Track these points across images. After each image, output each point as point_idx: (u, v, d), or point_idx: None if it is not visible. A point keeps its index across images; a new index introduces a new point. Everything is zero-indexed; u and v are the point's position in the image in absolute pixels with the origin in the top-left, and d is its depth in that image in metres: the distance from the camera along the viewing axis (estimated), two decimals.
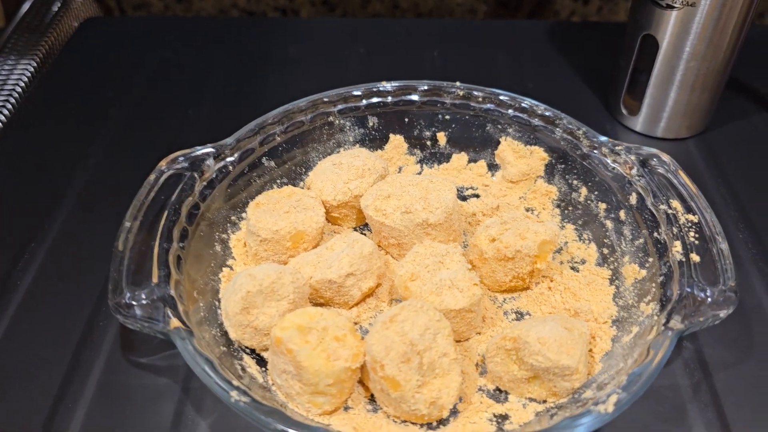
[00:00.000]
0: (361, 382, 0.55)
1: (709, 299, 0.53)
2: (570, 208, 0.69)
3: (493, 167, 0.73)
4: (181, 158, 0.64)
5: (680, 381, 0.58)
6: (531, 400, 0.54)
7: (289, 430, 0.45)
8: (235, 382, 0.47)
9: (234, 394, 0.47)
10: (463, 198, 0.71)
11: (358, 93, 0.72)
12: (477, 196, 0.71)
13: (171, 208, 0.59)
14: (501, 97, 0.71)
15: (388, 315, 0.52)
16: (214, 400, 0.56)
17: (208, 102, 0.89)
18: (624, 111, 0.83)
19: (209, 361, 0.49)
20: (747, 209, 0.73)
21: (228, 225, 0.65)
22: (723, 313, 0.52)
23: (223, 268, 0.62)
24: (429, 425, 0.52)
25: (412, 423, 0.52)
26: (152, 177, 0.62)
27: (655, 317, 0.53)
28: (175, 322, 0.51)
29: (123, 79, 0.93)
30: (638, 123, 0.82)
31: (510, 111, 0.70)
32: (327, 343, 0.51)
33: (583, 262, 0.65)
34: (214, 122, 0.85)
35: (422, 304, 0.53)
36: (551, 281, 0.62)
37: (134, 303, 0.53)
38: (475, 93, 0.71)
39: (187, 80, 0.93)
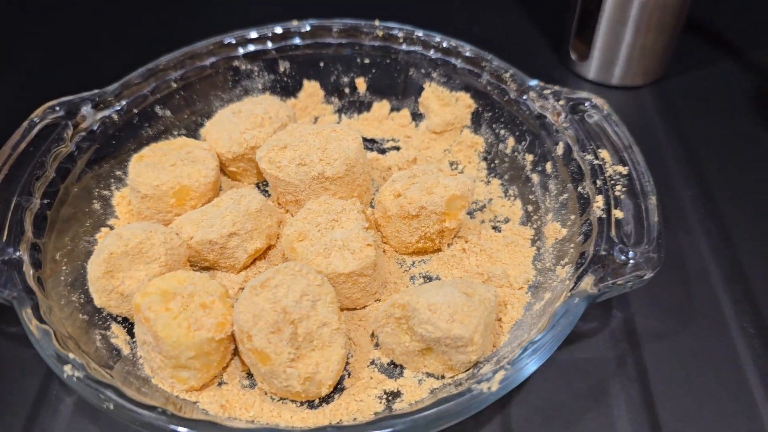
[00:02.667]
0: (239, 355, 0.49)
1: (631, 261, 0.46)
2: (496, 161, 0.62)
3: (417, 117, 0.66)
4: (58, 107, 0.57)
5: (604, 353, 0.52)
6: (428, 375, 0.48)
7: (129, 406, 0.39)
8: (72, 356, 0.41)
9: (67, 369, 0.41)
10: (383, 151, 0.64)
11: (267, 33, 0.65)
12: (398, 148, 0.64)
13: (36, 161, 0.53)
14: (422, 37, 0.63)
15: (260, 280, 0.46)
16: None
17: (95, 45, 0.82)
18: (573, 56, 0.75)
19: (46, 332, 0.43)
20: (699, 166, 0.66)
21: (112, 181, 0.59)
22: (645, 276, 0.45)
23: (102, 229, 0.56)
24: (310, 403, 0.46)
25: (291, 401, 0.46)
26: (23, 127, 0.56)
27: (567, 281, 0.47)
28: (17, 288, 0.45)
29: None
30: (590, 70, 0.75)
31: (432, 52, 0.63)
32: (191, 311, 0.45)
33: (507, 220, 0.58)
34: (101, 68, 0.77)
35: (301, 267, 0.46)
36: (466, 242, 0.55)
37: None
38: (396, 33, 0.64)
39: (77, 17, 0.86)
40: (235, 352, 0.49)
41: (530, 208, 0.57)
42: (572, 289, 0.45)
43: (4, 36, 0.84)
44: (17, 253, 0.47)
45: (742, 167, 0.66)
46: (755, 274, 0.56)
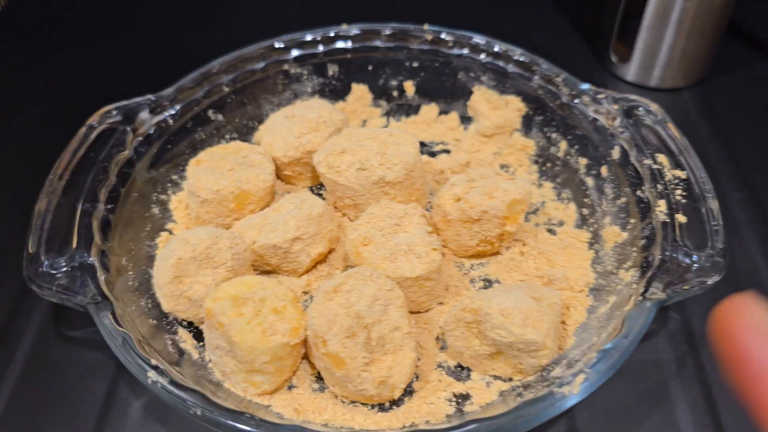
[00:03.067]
0: (308, 358, 0.49)
1: (695, 265, 0.47)
2: (548, 165, 0.62)
3: (465, 120, 0.67)
4: (114, 111, 0.57)
5: (664, 356, 0.52)
6: (495, 377, 0.48)
7: (211, 413, 0.40)
8: (154, 362, 0.42)
9: (151, 375, 0.41)
10: (432, 154, 0.65)
11: (316, 38, 0.65)
12: (447, 152, 0.65)
13: (98, 167, 0.53)
14: (473, 41, 0.64)
15: (332, 284, 0.46)
16: None
17: (145, 49, 0.82)
18: (614, 59, 0.76)
19: (126, 336, 0.43)
20: (744, 167, 0.66)
21: (168, 185, 0.59)
22: (710, 281, 0.46)
23: (161, 233, 0.56)
24: (381, 406, 0.47)
25: (362, 404, 0.47)
26: (81, 132, 0.56)
27: (634, 285, 0.47)
28: (91, 293, 0.45)
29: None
30: (630, 72, 0.75)
31: (483, 56, 0.63)
32: (263, 316, 0.46)
33: (561, 223, 0.58)
34: (153, 72, 0.77)
35: (371, 272, 0.47)
36: (524, 245, 0.56)
37: (53, 272, 0.47)
38: (445, 37, 0.64)
39: (120, 24, 0.86)
40: (304, 356, 0.49)
41: (585, 211, 0.58)
42: (643, 293, 0.45)
43: (46, 40, 0.84)
44: (90, 259, 0.48)
45: None
46: None
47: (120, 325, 0.44)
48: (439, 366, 0.49)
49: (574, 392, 0.40)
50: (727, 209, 0.63)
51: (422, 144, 0.66)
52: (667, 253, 0.47)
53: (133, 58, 0.81)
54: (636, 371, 0.51)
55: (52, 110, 0.73)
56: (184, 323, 0.51)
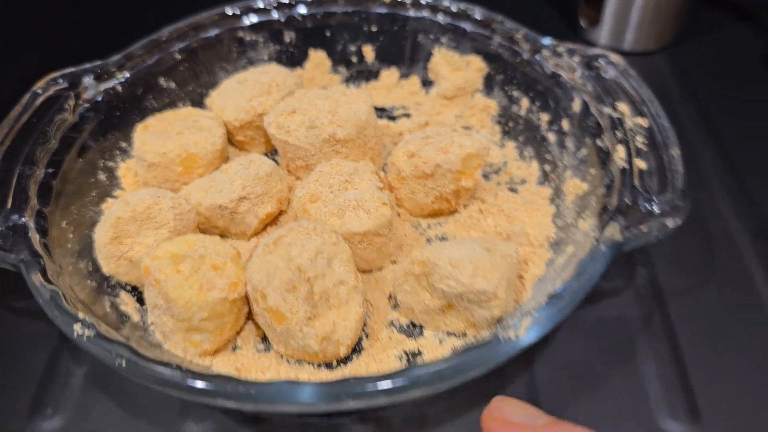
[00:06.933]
0: (253, 319, 0.47)
1: (655, 209, 0.44)
2: (511, 124, 0.60)
3: (427, 84, 0.65)
4: (60, 79, 0.56)
5: (630, 311, 0.50)
6: (449, 334, 0.46)
7: (142, 362, 0.38)
8: (81, 315, 0.40)
9: (77, 327, 0.39)
10: (393, 118, 0.63)
11: (272, 3, 0.63)
12: (408, 116, 0.63)
13: (40, 131, 0.52)
14: (430, 2, 0.62)
15: (273, 238, 0.44)
16: None
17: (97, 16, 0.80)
18: (583, 23, 0.74)
19: (54, 293, 0.41)
20: (717, 127, 0.64)
21: (117, 152, 0.57)
22: (670, 224, 0.44)
23: (108, 199, 0.55)
24: (328, 365, 0.45)
25: (309, 363, 0.45)
26: (25, 99, 0.54)
27: (592, 233, 0.45)
28: (22, 253, 0.44)
29: None
30: (601, 36, 0.73)
31: (441, 17, 0.62)
32: (202, 273, 0.44)
33: (524, 182, 0.56)
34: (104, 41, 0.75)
35: (315, 225, 0.45)
36: (483, 203, 0.54)
37: None
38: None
39: None
40: (249, 317, 0.47)
41: (547, 167, 0.56)
42: (598, 238, 0.43)
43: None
44: (22, 219, 0.46)
45: (759, 129, 0.64)
46: None
47: (51, 283, 0.42)
48: (391, 324, 0.47)
49: (519, 336, 0.38)
50: (698, 167, 0.61)
51: (383, 109, 0.64)
52: (625, 199, 0.45)
53: (84, 26, 0.79)
54: (601, 329, 0.49)
55: None
56: (128, 288, 0.49)
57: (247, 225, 0.51)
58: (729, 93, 0.68)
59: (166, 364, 0.37)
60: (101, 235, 0.47)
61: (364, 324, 0.47)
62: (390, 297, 0.49)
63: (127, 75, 0.58)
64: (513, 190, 0.56)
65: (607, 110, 0.51)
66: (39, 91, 0.55)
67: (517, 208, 0.53)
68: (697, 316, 0.50)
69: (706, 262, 0.53)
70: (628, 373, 0.47)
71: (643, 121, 0.50)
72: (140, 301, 0.49)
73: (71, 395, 0.47)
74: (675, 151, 0.48)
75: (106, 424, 0.45)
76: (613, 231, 0.43)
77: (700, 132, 0.64)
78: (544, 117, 0.57)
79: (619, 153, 0.48)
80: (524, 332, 0.38)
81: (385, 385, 0.36)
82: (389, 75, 0.65)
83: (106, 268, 0.48)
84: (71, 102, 0.54)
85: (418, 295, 0.45)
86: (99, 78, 0.56)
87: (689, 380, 0.46)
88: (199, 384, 0.36)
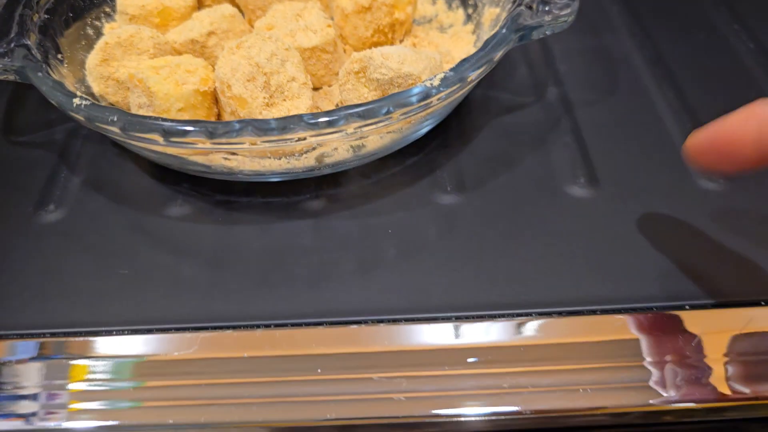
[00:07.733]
0: (221, 112, 0.56)
1: (553, 9, 0.54)
2: None
3: None
4: None
5: (543, 116, 0.60)
6: None
7: (132, 118, 0.46)
8: (80, 93, 0.49)
9: (76, 100, 0.48)
10: None
11: None
12: None
13: None
14: None
15: (235, 42, 0.53)
16: (88, 159, 0.58)
17: None
18: None
19: (59, 83, 0.50)
20: None
21: (102, 15, 0.66)
22: (564, 14, 0.53)
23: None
24: None
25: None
26: None
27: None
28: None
29: None
30: None
31: None
32: (179, 74, 0.53)
33: (451, 26, 0.66)
34: None
35: (270, 35, 0.54)
36: (416, 38, 0.63)
37: None
38: None
39: None
40: (219, 117, 0.56)
41: (471, 10, 0.65)
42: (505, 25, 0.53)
43: None
44: (27, 41, 0.55)
45: None
46: (674, 62, 0.65)
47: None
48: None
49: (434, 84, 0.47)
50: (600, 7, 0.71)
51: None
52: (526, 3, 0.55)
53: None
54: (517, 129, 0.59)
55: None
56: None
57: (215, 58, 0.60)
58: None
59: (155, 118, 0.46)
60: (92, 59, 0.56)
61: None
62: (337, 106, 0.58)
63: None
64: (442, 31, 0.65)
65: None
66: None
67: (444, 41, 0.63)
68: (599, 117, 0.59)
69: (610, 83, 0.63)
70: (540, 158, 0.57)
71: None
72: None
73: (70, 196, 0.55)
74: None
75: (101, 213, 0.54)
76: (514, 20, 0.53)
77: None
78: None
79: None
80: (438, 81, 0.47)
81: (324, 117, 0.45)
82: None
83: (97, 89, 0.57)
84: None
85: (359, 91, 0.55)
86: None
87: (590, 158, 0.56)
88: (188, 127, 0.45)
